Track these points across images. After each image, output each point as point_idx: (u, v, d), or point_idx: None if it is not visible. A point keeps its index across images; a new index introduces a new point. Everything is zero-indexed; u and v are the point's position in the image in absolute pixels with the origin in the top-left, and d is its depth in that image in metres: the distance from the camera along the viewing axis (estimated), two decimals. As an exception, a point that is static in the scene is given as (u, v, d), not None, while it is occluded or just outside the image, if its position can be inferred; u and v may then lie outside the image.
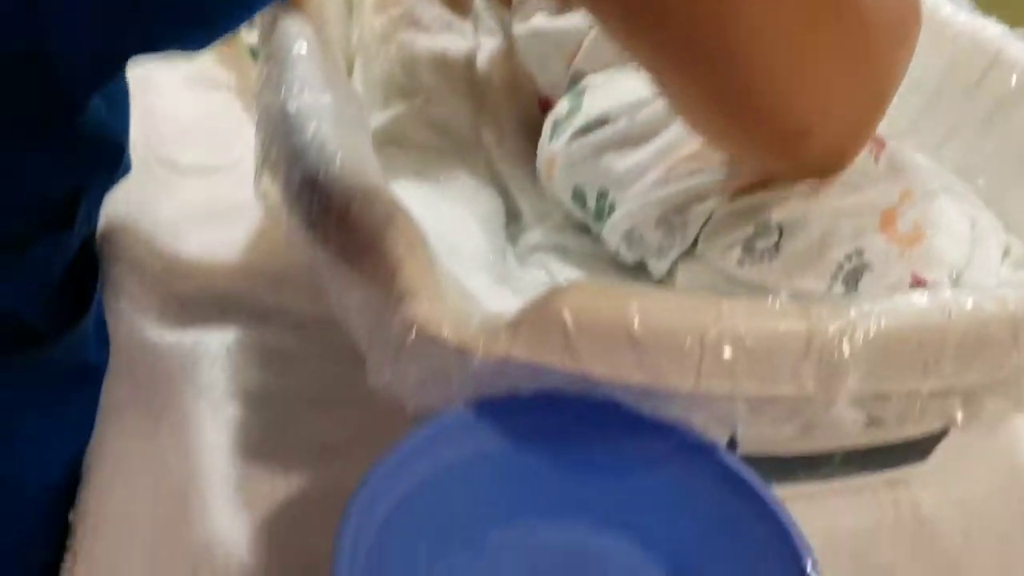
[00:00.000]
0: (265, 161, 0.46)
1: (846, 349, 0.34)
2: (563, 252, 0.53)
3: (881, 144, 0.46)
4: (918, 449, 0.46)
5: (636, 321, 0.34)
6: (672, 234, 0.45)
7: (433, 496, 0.39)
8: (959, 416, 0.37)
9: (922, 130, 0.63)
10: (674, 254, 0.45)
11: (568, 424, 0.39)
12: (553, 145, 0.51)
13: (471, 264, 0.50)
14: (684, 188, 0.44)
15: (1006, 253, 0.53)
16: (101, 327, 0.49)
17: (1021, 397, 0.38)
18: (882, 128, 0.64)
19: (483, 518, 0.40)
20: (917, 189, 0.46)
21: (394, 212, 0.38)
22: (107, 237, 0.59)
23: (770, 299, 0.35)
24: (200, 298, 0.57)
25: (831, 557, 0.46)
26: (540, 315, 0.35)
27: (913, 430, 0.43)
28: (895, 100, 0.65)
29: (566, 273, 0.50)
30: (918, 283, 0.46)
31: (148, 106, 0.71)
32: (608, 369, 0.34)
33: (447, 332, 0.35)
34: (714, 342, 0.34)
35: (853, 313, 0.34)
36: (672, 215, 0.45)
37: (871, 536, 0.47)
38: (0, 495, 0.39)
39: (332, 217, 0.39)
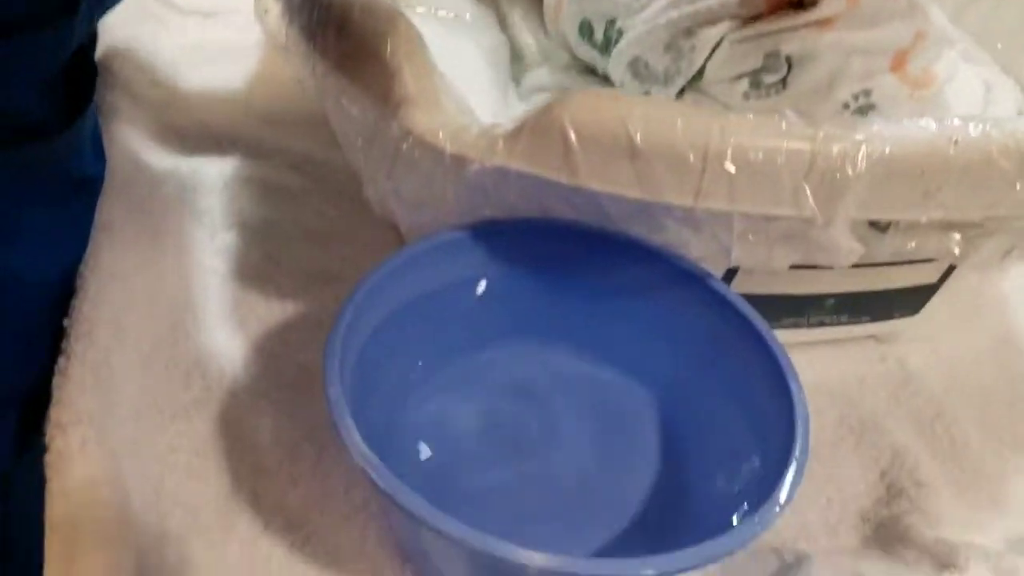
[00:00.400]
0: (266, -25, 0.44)
1: (849, 171, 0.33)
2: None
3: None
4: (910, 301, 0.47)
5: (638, 134, 0.33)
6: (679, 59, 0.43)
7: (422, 314, 0.39)
8: (956, 251, 0.37)
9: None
10: (680, 81, 0.44)
11: (561, 250, 0.39)
12: (563, -21, 0.49)
13: (472, 95, 0.49)
14: (695, 10, 0.43)
15: (1020, 114, 0.52)
16: (97, 141, 0.48)
17: (1019, 238, 0.37)
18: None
19: (471, 339, 0.41)
20: (932, 32, 0.45)
21: (395, 18, 0.37)
22: (105, 65, 0.58)
23: (776, 117, 0.34)
24: (198, 131, 0.57)
25: (816, 403, 0.46)
26: (540, 124, 0.34)
27: (907, 276, 0.43)
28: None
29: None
30: (925, 132, 0.45)
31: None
32: (606, 183, 0.34)
33: (444, 140, 0.35)
34: (716, 157, 0.33)
35: (858, 136, 0.34)
36: (680, 39, 0.43)
37: (857, 386, 0.48)
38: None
39: (332, 25, 0.38)
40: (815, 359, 0.49)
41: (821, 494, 0.43)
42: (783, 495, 0.31)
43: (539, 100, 0.52)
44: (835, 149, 0.33)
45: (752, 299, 0.43)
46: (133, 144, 0.53)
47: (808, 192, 0.33)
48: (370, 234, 0.51)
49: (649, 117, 0.33)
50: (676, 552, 0.29)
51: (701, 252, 0.38)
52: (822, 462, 0.44)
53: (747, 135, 0.33)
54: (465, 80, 0.50)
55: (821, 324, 0.46)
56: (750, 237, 0.35)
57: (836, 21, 0.42)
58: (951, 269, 0.45)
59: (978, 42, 0.58)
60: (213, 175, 0.53)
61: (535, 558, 0.28)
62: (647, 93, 0.46)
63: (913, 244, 0.37)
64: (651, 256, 0.38)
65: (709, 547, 0.29)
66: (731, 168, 0.33)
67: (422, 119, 0.35)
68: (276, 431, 0.41)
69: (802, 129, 0.33)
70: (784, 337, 0.47)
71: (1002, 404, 0.48)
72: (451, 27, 0.54)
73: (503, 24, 0.58)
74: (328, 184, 0.55)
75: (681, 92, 0.45)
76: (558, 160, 0.34)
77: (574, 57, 0.53)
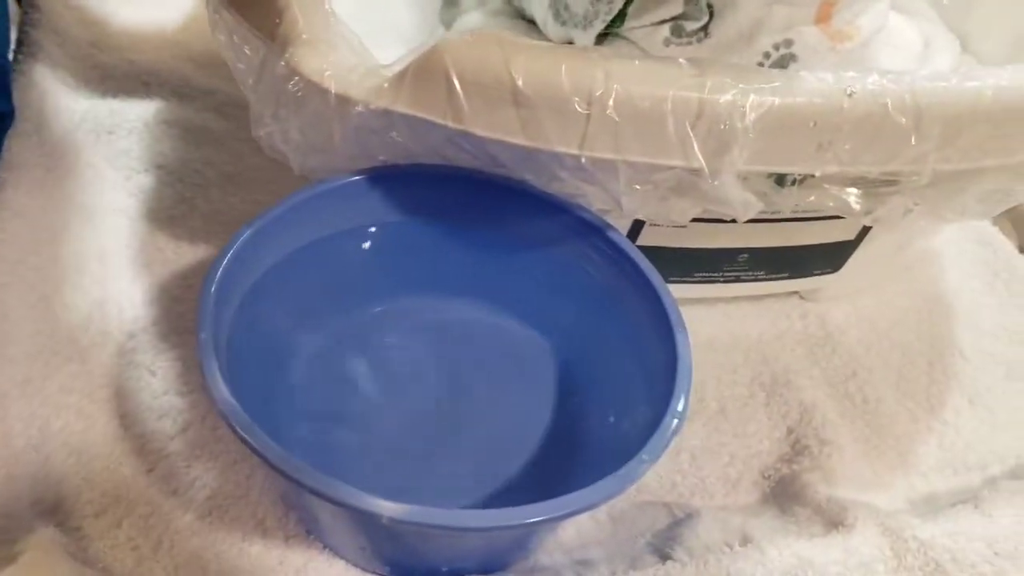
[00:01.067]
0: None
1: (737, 122, 0.32)
2: (496, 40, 0.51)
3: None
4: (829, 258, 0.46)
5: (521, 78, 0.32)
6: (598, 2, 0.42)
7: (312, 262, 0.38)
8: (856, 206, 0.36)
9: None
10: (599, 25, 0.42)
11: (460, 199, 0.38)
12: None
13: (391, 46, 0.47)
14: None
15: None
16: (2, 79, 0.47)
17: (924, 196, 0.37)
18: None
19: (366, 289, 0.40)
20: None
21: (286, -45, 0.36)
22: (32, 1, 0.57)
23: (665, 63, 0.33)
24: (125, 70, 0.55)
25: (731, 359, 0.46)
26: (423, 67, 0.33)
27: (822, 232, 0.43)
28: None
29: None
30: (850, 87, 0.44)
31: None
32: (491, 129, 0.33)
33: (329, 80, 0.34)
34: (601, 103, 0.32)
35: (748, 85, 0.33)
36: None
37: (774, 343, 0.47)
38: None
39: (225, -41, 0.37)
40: (734, 314, 0.48)
41: (724, 450, 0.42)
42: (651, 449, 0.31)
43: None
44: (723, 99, 0.32)
45: (661, 252, 0.42)
46: (52, 83, 0.52)
47: (695, 142, 0.32)
48: (288, 180, 0.50)
49: (533, 61, 0.32)
50: (531, 506, 0.29)
51: (601, 203, 0.37)
52: (729, 418, 0.44)
53: (633, 81, 0.32)
54: (386, 25, 0.49)
55: (737, 279, 0.45)
56: (637, 187, 0.34)
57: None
58: (869, 226, 0.44)
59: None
60: (133, 116, 0.52)
61: (388, 508, 0.28)
62: (568, 38, 0.45)
63: (812, 198, 0.36)
64: (550, 206, 0.38)
65: (564, 502, 0.29)
66: (615, 116, 0.32)
67: (308, 58, 0.34)
68: (171, 377, 0.40)
69: (690, 77, 0.32)
70: (700, 292, 0.46)
71: (921, 364, 0.47)
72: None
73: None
74: (250, 128, 0.54)
75: (604, 38, 0.44)
76: (442, 104, 0.33)
77: (507, 1, 0.51)
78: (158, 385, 0.40)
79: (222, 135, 0.53)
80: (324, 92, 0.34)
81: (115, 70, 0.55)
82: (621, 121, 0.32)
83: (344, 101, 0.34)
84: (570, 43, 0.46)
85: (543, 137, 0.33)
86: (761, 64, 0.42)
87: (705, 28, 0.42)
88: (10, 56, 0.52)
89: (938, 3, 0.57)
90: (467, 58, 0.33)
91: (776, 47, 0.42)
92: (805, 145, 0.33)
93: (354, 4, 0.47)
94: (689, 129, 0.32)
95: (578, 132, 0.33)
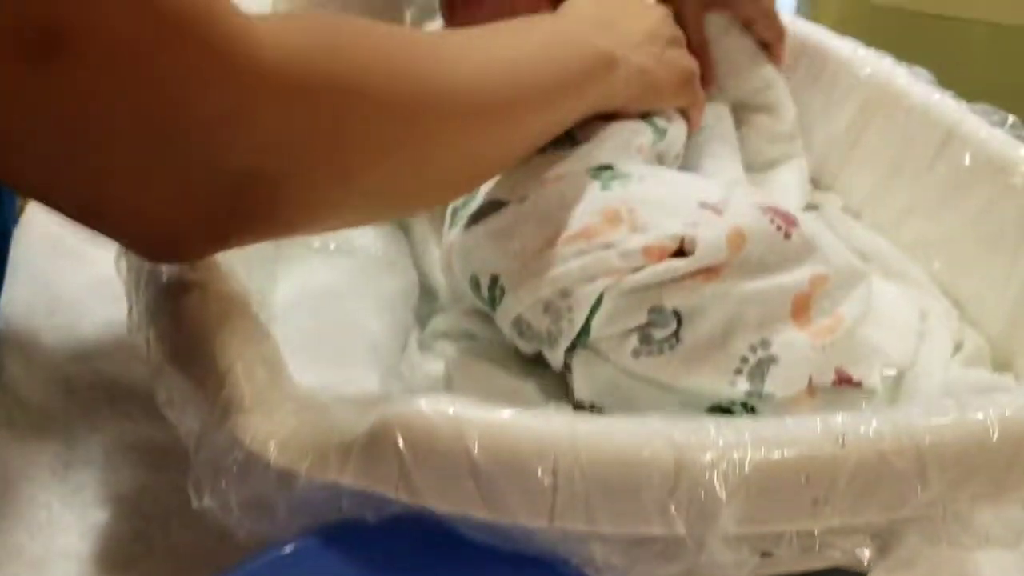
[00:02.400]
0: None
1: (718, 485, 0.29)
2: (470, 338, 0.49)
3: (791, 221, 0.42)
4: (847, 577, 0.41)
5: (476, 448, 0.29)
6: (559, 320, 0.40)
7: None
8: (866, 556, 0.32)
9: (881, 205, 0.60)
10: (564, 343, 0.40)
11: (420, 558, 0.34)
12: (451, 233, 0.47)
13: (360, 358, 0.46)
14: (568, 270, 0.40)
15: (957, 348, 0.49)
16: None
17: (938, 535, 0.33)
18: (844, 200, 0.60)
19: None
20: (835, 273, 0.41)
21: (229, 310, 0.34)
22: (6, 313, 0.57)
23: (634, 422, 0.30)
24: (90, 380, 0.54)
25: None
26: (372, 439, 0.30)
27: (823, 565, 0.38)
28: (855, 174, 0.62)
29: (464, 366, 0.46)
30: (844, 381, 0.41)
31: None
32: (449, 504, 0.30)
33: (272, 451, 0.31)
34: (567, 473, 0.29)
35: (728, 441, 0.30)
36: (557, 299, 0.40)
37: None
38: None
39: (167, 311, 0.36)
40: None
41: None
42: None
43: (440, 347, 0.49)
44: (702, 460, 0.29)
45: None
46: (19, 415, 0.50)
47: (674, 510, 0.29)
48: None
49: (489, 429, 0.30)
50: None
51: (581, 560, 0.33)
52: None
53: (601, 447, 0.29)
54: (356, 337, 0.47)
55: (747, 610, 0.41)
56: (614, 560, 0.30)
57: (722, 270, 0.39)
58: (884, 543, 0.40)
59: (915, 251, 0.56)
60: (94, 443, 0.50)
61: None
62: (536, 351, 0.43)
63: (817, 548, 0.32)
64: (520, 564, 0.34)
65: None
66: (583, 487, 0.29)
67: (249, 425, 0.32)
68: None
69: (663, 437, 0.29)
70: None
71: None
72: (352, 265, 0.52)
73: (418, 261, 0.56)
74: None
75: (573, 350, 0.41)
76: (393, 478, 0.30)
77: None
78: None
79: (185, 454, 0.50)
80: (265, 463, 0.31)
81: (80, 381, 0.53)
82: (591, 491, 0.29)
83: (286, 474, 0.31)
84: (539, 354, 0.45)
85: (507, 511, 0.30)
86: (739, 371, 0.40)
87: (676, 334, 0.40)
88: None
89: (928, 265, 0.55)
90: (418, 430, 0.30)
91: (753, 349, 0.40)
92: (799, 501, 0.30)
93: (319, 321, 0.46)
94: (667, 496, 0.29)
95: (545, 504, 0.29)
